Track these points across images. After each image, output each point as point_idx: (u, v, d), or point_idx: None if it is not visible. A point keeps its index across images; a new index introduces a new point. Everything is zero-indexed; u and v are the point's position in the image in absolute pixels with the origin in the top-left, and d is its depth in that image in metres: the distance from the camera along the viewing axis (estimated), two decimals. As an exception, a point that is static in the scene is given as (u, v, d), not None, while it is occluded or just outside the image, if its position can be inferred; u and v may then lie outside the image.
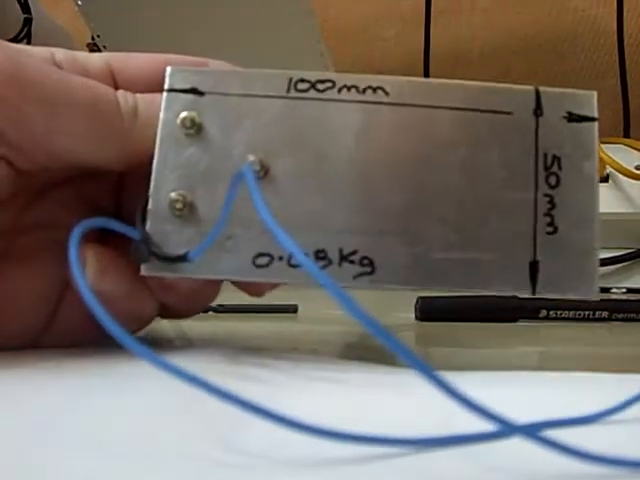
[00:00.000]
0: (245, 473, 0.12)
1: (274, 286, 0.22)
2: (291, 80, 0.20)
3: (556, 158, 0.20)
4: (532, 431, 0.11)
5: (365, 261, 0.19)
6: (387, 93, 0.20)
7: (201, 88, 0.21)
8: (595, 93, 0.21)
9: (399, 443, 0.12)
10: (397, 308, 0.42)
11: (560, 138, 0.20)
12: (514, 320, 0.33)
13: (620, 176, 0.47)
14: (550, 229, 0.20)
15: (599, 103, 0.21)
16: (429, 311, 0.34)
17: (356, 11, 0.83)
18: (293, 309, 0.37)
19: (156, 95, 0.22)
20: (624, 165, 0.46)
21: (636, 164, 0.48)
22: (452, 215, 0.20)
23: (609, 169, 0.48)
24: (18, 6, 0.66)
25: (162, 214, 0.20)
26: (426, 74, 0.66)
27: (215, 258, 0.20)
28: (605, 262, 0.48)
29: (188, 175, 0.20)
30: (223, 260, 0.20)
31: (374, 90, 0.20)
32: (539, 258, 0.19)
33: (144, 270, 0.20)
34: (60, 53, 0.22)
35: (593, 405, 0.14)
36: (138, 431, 0.14)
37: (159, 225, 0.20)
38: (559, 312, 0.33)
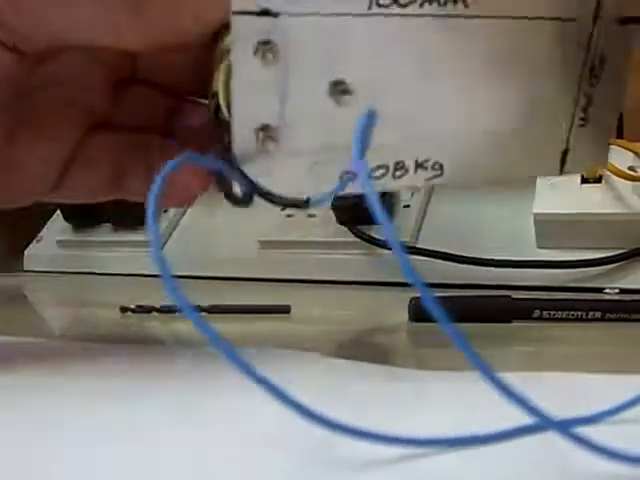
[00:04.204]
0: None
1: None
2: None
3: (602, 59, 0.21)
4: (567, 427, 0.11)
5: (436, 166, 0.22)
6: (466, 5, 0.20)
7: (274, 8, 0.18)
8: None
9: (428, 443, 0.13)
10: (390, 309, 0.42)
11: (611, 41, 0.21)
12: (508, 320, 0.33)
13: (613, 177, 0.47)
14: (582, 122, 0.22)
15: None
16: (422, 311, 0.34)
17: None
18: (286, 309, 0.37)
19: None
20: (617, 166, 0.46)
21: (629, 165, 0.48)
22: (501, 121, 0.22)
23: (602, 170, 0.48)
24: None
25: (248, 146, 0.20)
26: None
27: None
28: (598, 262, 0.48)
29: (269, 103, 0.19)
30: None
31: (454, 2, 0.20)
32: (570, 147, 0.22)
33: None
34: None
35: (596, 405, 0.14)
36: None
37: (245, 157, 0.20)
38: (552, 312, 0.33)
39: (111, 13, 0.19)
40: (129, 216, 0.70)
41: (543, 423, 0.12)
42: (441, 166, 0.22)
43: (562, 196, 0.49)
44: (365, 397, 0.17)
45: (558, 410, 0.13)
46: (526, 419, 0.12)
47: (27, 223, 0.87)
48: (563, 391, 0.18)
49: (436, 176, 0.22)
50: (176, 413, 0.16)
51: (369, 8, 0.19)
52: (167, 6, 0.19)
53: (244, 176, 0.20)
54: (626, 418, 0.14)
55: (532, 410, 0.12)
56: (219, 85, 0.20)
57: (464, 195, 0.59)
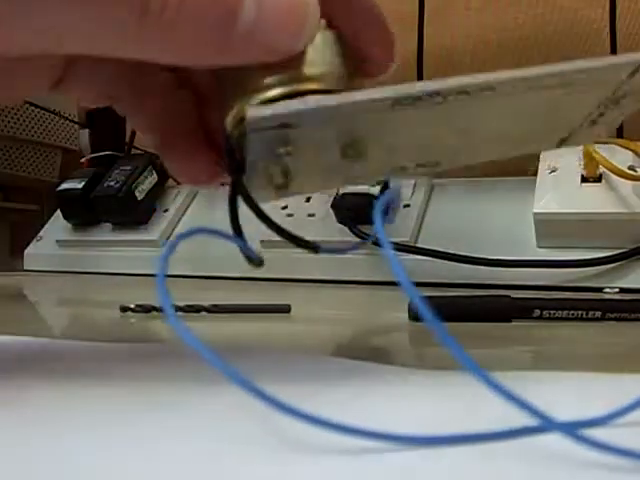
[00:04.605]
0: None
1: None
2: (394, 100, 0.18)
3: (625, 94, 0.21)
4: (572, 428, 0.11)
5: (434, 162, 0.22)
6: (492, 89, 0.19)
7: (294, 122, 0.18)
8: None
9: (428, 441, 0.13)
10: (390, 308, 0.42)
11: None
12: (508, 320, 0.33)
13: (613, 176, 0.47)
14: (589, 125, 0.22)
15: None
16: (422, 311, 0.34)
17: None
18: (286, 309, 0.37)
19: None
20: (617, 165, 0.46)
21: (629, 164, 0.48)
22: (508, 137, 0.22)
23: (602, 169, 0.48)
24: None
25: (259, 193, 0.20)
26: (419, 74, 0.66)
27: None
28: (598, 262, 0.48)
29: (282, 168, 0.20)
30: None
31: (482, 90, 0.19)
32: (570, 135, 0.23)
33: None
34: None
35: (595, 404, 0.14)
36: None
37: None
38: (552, 312, 0.33)
39: (103, 32, 0.17)
40: (128, 216, 0.70)
41: (547, 425, 0.12)
42: (438, 162, 0.22)
43: (562, 196, 0.49)
44: (365, 396, 0.17)
45: (557, 409, 0.13)
46: (527, 420, 0.12)
47: (27, 223, 0.87)
48: (562, 391, 0.18)
49: (433, 170, 0.23)
50: (176, 413, 0.16)
51: (392, 107, 0.19)
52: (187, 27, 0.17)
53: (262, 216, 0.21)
54: (625, 420, 0.14)
55: (533, 411, 0.12)
56: (232, 132, 0.20)
57: (464, 195, 0.59)
